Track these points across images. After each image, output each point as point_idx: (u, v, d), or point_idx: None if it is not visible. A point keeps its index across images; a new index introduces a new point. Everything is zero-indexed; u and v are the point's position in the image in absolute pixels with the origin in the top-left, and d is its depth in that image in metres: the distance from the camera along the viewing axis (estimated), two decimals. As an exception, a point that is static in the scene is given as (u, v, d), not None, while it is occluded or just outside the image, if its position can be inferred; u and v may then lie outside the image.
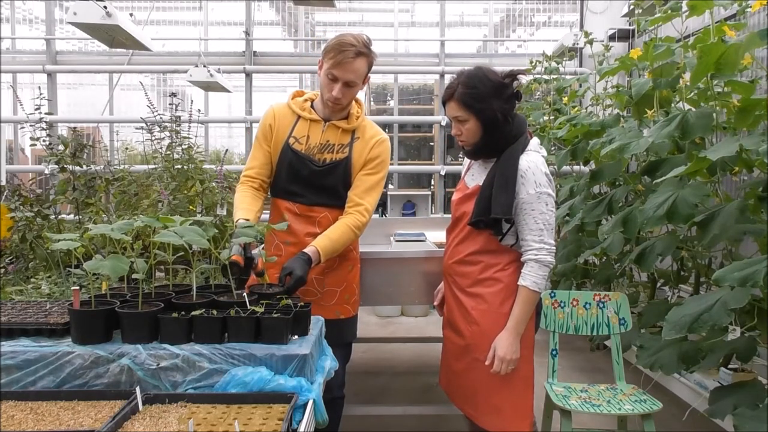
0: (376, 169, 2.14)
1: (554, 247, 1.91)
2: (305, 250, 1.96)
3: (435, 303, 2.26)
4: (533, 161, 1.89)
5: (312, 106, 2.18)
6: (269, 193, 2.26)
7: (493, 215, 1.87)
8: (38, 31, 6.29)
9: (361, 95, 2.25)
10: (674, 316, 1.91)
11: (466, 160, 2.14)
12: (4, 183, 2.88)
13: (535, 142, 1.98)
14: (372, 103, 6.72)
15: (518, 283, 1.89)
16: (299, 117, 2.17)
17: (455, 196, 2.11)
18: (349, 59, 2.00)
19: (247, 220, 1.95)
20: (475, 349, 1.97)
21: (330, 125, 2.14)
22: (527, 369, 1.96)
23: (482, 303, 1.95)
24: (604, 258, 3.36)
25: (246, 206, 2.08)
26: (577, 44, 4.80)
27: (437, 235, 3.22)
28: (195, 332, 1.49)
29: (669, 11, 2.59)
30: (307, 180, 2.13)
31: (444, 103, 2.00)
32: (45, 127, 2.56)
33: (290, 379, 1.42)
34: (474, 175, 2.06)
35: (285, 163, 2.14)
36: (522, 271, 1.90)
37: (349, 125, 2.15)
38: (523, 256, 1.91)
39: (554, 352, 2.49)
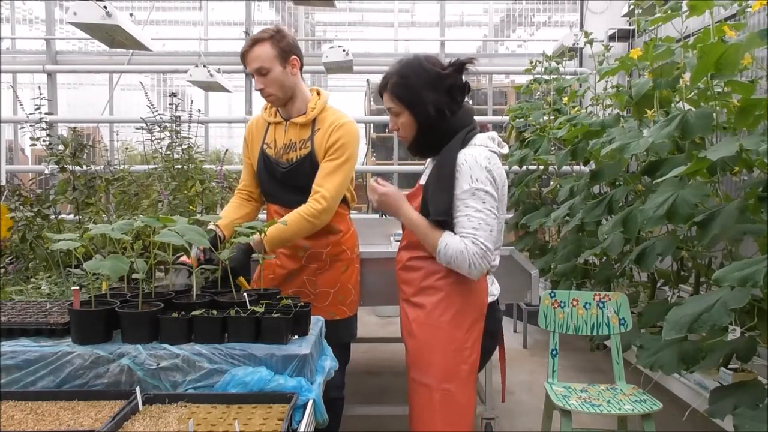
0: (337, 154, 2.09)
1: (489, 252, 1.64)
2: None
3: None
4: (472, 155, 1.68)
5: (278, 110, 2.21)
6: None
7: (432, 218, 1.68)
8: (38, 31, 6.29)
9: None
10: (674, 316, 1.91)
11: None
12: (4, 183, 2.88)
13: (483, 136, 1.76)
14: (372, 103, 6.71)
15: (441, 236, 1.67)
16: (269, 123, 2.22)
17: None
18: (246, 50, 2.08)
19: (217, 226, 2.03)
20: (412, 367, 1.79)
21: (290, 124, 2.16)
22: (466, 396, 1.74)
23: (421, 314, 1.76)
24: (604, 258, 3.36)
25: (224, 215, 2.19)
26: (577, 44, 4.80)
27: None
28: (195, 332, 1.49)
29: (669, 11, 2.59)
30: (281, 182, 2.17)
31: (381, 94, 1.83)
32: (45, 127, 2.56)
33: (290, 379, 1.42)
34: (428, 170, 1.87)
35: (262, 169, 2.21)
36: (456, 238, 1.65)
37: (306, 119, 2.14)
38: (462, 238, 1.66)
39: (554, 352, 2.49)
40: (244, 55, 2.09)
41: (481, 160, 1.67)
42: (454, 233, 1.68)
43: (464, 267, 1.65)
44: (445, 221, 1.67)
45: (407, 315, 1.81)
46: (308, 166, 2.11)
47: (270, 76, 2.07)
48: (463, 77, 1.76)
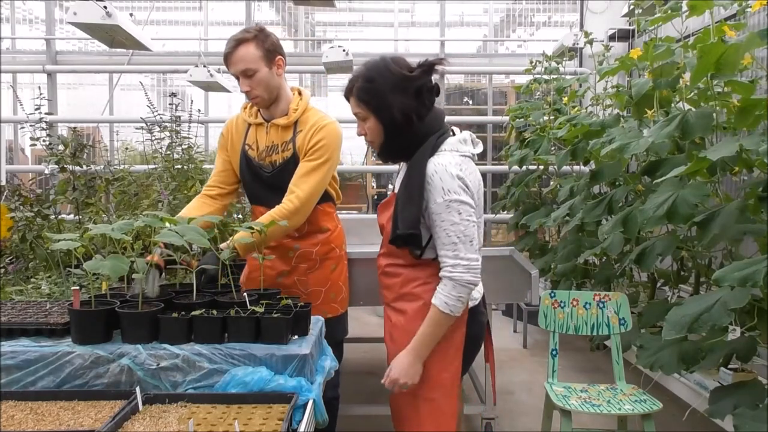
0: (316, 155, 2.05)
1: (475, 263, 1.62)
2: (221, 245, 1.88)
3: None
4: (441, 164, 1.62)
5: (259, 111, 2.17)
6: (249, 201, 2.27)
7: (399, 231, 1.63)
8: (38, 31, 6.28)
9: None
10: (674, 316, 1.91)
11: None
12: (4, 183, 2.88)
13: (454, 140, 1.69)
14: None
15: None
16: (249, 124, 2.17)
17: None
18: (230, 52, 2.01)
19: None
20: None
21: (271, 125, 2.12)
22: (450, 405, 1.72)
23: (402, 320, 1.74)
24: (604, 258, 3.36)
25: (183, 214, 2.07)
26: (577, 44, 4.80)
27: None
28: (195, 332, 1.49)
29: (669, 11, 2.59)
30: (267, 184, 2.13)
31: (347, 99, 1.75)
32: (45, 127, 2.56)
33: (290, 379, 1.42)
34: (400, 176, 1.80)
35: (245, 171, 2.17)
36: (437, 287, 1.65)
37: (288, 121, 2.10)
38: (441, 272, 1.64)
39: (554, 352, 2.49)
40: (227, 57, 2.01)
41: (451, 169, 1.61)
42: (429, 248, 1.67)
43: (468, 291, 1.62)
44: (412, 235, 1.63)
45: (390, 319, 1.80)
46: (293, 169, 2.06)
47: (256, 77, 2.02)
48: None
